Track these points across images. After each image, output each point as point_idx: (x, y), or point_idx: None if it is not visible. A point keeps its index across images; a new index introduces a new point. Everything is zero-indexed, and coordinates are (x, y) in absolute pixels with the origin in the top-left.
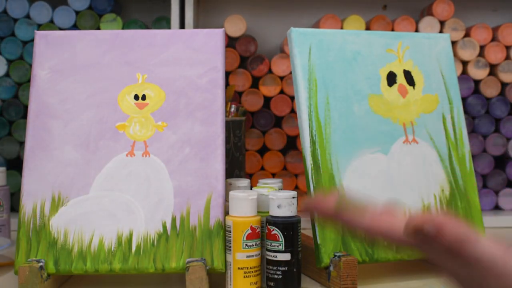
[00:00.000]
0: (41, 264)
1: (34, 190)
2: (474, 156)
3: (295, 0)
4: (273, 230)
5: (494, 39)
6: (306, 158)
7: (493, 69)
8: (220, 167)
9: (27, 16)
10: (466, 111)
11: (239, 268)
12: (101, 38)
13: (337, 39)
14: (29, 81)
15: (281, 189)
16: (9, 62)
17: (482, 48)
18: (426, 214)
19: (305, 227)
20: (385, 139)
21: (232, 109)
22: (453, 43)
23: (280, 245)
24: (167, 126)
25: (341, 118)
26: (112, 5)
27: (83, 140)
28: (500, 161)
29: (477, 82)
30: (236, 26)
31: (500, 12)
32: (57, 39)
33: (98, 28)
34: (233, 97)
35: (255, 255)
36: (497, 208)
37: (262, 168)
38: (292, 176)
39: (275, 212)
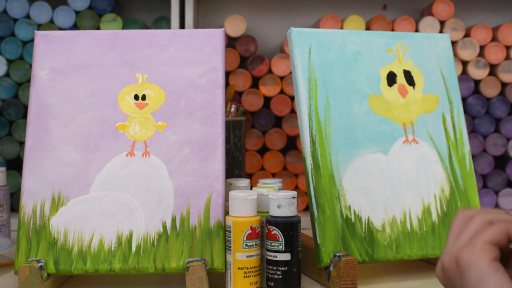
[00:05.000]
0: (41, 264)
1: (34, 190)
2: (474, 156)
3: (295, 0)
4: (273, 230)
5: (494, 39)
6: (306, 158)
7: (493, 69)
8: (220, 167)
9: (27, 16)
10: (466, 111)
11: (239, 268)
12: (101, 38)
13: (337, 39)
14: (29, 81)
15: (281, 189)
16: (9, 62)
17: (482, 48)
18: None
19: (305, 227)
20: (385, 139)
21: (232, 109)
22: (453, 43)
23: (280, 245)
24: (167, 126)
25: (341, 118)
26: (112, 5)
27: (83, 140)
28: (500, 161)
29: (477, 82)
30: (236, 26)
31: (500, 12)
32: (57, 39)
33: (98, 28)
34: (233, 97)
35: (255, 255)
36: (497, 208)
37: (262, 168)
38: (292, 176)
39: (275, 212)
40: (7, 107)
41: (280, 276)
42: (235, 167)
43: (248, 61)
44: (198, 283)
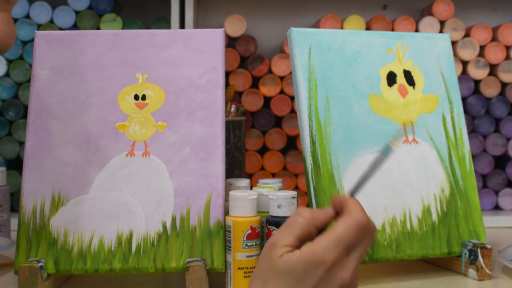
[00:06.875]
0: (41, 264)
1: (34, 190)
2: (474, 156)
3: (295, 0)
4: (273, 230)
5: (494, 39)
6: (306, 158)
7: (493, 69)
8: (220, 167)
9: (27, 16)
10: (466, 111)
11: (239, 268)
12: (101, 38)
13: (337, 39)
14: (29, 81)
15: (281, 189)
16: (9, 62)
17: (482, 48)
18: None
19: None
20: (385, 139)
21: (232, 109)
22: (453, 43)
23: None
24: (167, 126)
25: (341, 118)
26: (112, 5)
27: (83, 140)
28: (500, 161)
29: (477, 82)
30: (236, 26)
31: (500, 12)
32: (57, 39)
33: (98, 28)
34: (233, 97)
35: (255, 255)
36: (497, 208)
37: (262, 168)
38: (292, 176)
39: (275, 212)
40: (7, 107)
41: None
42: (235, 167)
43: (248, 61)
44: (198, 283)
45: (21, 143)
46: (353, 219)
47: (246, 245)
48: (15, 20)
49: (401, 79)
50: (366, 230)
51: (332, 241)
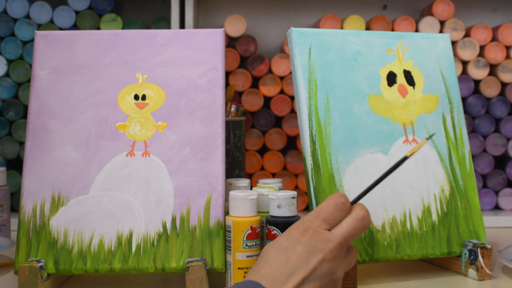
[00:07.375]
0: (41, 264)
1: (34, 190)
2: (474, 156)
3: (295, 0)
4: (273, 230)
5: (494, 39)
6: (306, 158)
7: (493, 69)
8: (220, 167)
9: (27, 16)
10: (466, 111)
11: (239, 268)
12: (101, 38)
13: (337, 39)
14: (29, 81)
15: (281, 189)
16: (9, 62)
17: (482, 48)
18: None
19: None
20: (385, 139)
21: (232, 109)
22: (453, 43)
23: None
24: (167, 126)
25: (341, 118)
26: (112, 5)
27: (83, 140)
28: (500, 161)
29: (477, 82)
30: (236, 26)
31: (500, 12)
32: (57, 39)
33: (98, 28)
34: (233, 97)
35: (255, 255)
36: (497, 208)
37: (262, 168)
38: (292, 176)
39: (275, 212)
40: (7, 107)
41: None
42: (235, 167)
43: (248, 61)
44: (198, 283)
45: (21, 143)
46: (332, 198)
47: (246, 245)
48: (15, 20)
49: (401, 79)
50: (344, 209)
51: (312, 213)
